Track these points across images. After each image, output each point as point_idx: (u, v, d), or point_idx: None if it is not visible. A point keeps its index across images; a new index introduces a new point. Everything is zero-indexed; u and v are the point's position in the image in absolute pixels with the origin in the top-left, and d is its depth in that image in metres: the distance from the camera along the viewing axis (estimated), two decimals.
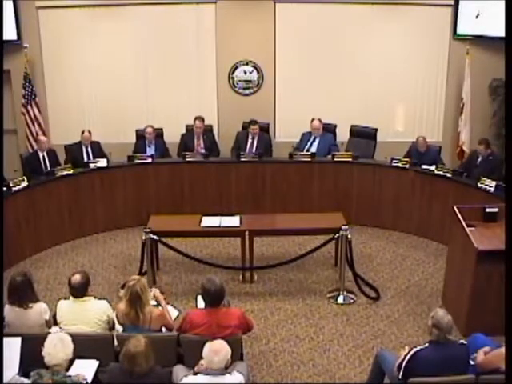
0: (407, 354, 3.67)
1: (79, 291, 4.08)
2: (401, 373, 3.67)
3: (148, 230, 5.64)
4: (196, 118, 7.71)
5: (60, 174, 6.80)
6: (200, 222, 5.93)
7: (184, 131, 7.98)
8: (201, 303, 4.24)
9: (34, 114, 8.19)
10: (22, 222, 6.40)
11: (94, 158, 7.36)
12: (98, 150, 7.52)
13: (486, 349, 3.77)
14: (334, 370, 4.63)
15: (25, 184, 6.42)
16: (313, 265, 6.26)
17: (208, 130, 7.93)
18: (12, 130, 8.41)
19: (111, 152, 7.51)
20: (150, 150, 7.62)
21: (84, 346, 3.66)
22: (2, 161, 6.82)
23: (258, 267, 5.99)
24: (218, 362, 3.33)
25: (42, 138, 7.40)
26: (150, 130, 7.58)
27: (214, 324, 3.91)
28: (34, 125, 8.20)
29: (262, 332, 5.16)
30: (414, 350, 3.66)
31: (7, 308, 4.06)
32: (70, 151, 7.49)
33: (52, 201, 6.71)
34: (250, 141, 7.70)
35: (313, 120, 7.57)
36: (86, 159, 7.34)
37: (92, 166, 7.02)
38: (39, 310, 4.10)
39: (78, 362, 3.58)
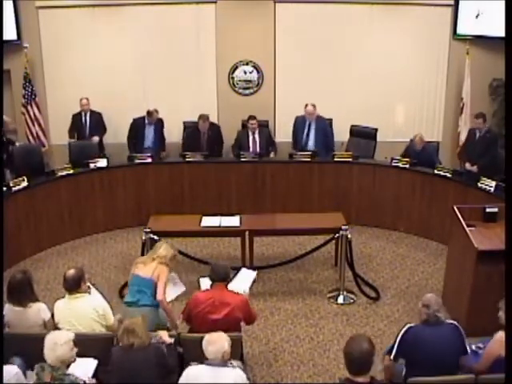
0: (399, 332, 3.79)
1: (71, 285, 4.10)
2: (393, 353, 3.77)
3: (148, 230, 5.64)
4: (200, 117, 7.72)
5: (60, 173, 6.80)
6: (200, 221, 5.93)
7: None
8: (203, 286, 4.50)
9: (34, 113, 8.20)
10: (22, 222, 6.40)
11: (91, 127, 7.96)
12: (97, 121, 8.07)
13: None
14: (333, 370, 4.64)
15: (25, 184, 6.42)
16: (313, 265, 6.26)
17: (213, 124, 7.94)
18: (12, 130, 8.40)
19: (111, 152, 7.52)
20: (149, 132, 7.75)
21: (84, 346, 3.65)
22: (2, 160, 6.83)
23: (258, 267, 5.98)
24: (216, 352, 3.35)
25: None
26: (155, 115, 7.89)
27: (216, 300, 4.06)
28: (34, 125, 8.21)
29: (261, 332, 5.16)
30: (407, 326, 3.78)
31: (7, 307, 4.06)
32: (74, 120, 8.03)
33: (52, 201, 6.70)
34: (251, 137, 7.71)
35: (307, 105, 7.58)
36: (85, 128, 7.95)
37: (92, 165, 7.02)
38: (38, 310, 4.10)
39: (78, 360, 3.59)
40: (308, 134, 7.66)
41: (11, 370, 3.49)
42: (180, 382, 3.44)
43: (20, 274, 4.12)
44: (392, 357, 3.79)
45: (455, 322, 3.86)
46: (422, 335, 3.74)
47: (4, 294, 4.17)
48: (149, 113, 7.83)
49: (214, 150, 7.78)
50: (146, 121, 7.87)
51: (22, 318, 4.03)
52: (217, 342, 3.40)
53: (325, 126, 7.74)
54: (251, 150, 7.64)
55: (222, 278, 4.15)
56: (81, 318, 4.05)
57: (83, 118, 8.00)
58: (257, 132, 7.71)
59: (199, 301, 4.11)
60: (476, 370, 3.73)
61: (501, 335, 3.65)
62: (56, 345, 3.36)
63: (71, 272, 4.12)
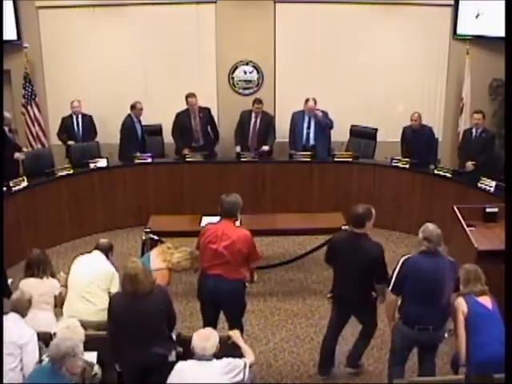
0: (396, 265, 3.92)
1: (104, 248, 4.41)
2: (392, 283, 3.89)
3: (148, 229, 5.65)
4: (187, 96, 7.60)
5: (60, 174, 6.81)
6: (200, 221, 5.92)
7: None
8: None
9: (34, 113, 8.21)
10: (22, 222, 6.40)
11: (83, 130, 7.79)
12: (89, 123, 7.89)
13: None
14: (334, 370, 4.63)
15: (25, 184, 6.43)
16: (313, 265, 6.26)
17: (203, 108, 7.80)
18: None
19: (111, 152, 7.51)
20: (138, 126, 7.61)
21: (85, 345, 3.66)
22: (3, 160, 6.82)
23: (258, 267, 5.98)
24: (211, 347, 3.31)
25: None
26: (139, 106, 7.61)
27: (220, 230, 4.33)
28: (33, 125, 8.22)
29: (261, 332, 5.17)
30: (403, 258, 3.92)
31: (21, 283, 4.21)
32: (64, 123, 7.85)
33: (52, 201, 6.71)
34: (253, 120, 7.73)
35: (307, 100, 7.48)
36: (76, 131, 7.78)
37: (92, 165, 7.03)
38: (53, 285, 4.30)
39: None
40: (309, 128, 7.55)
41: (28, 330, 3.55)
42: (170, 378, 3.35)
43: (38, 251, 4.36)
44: (390, 289, 3.89)
45: (453, 260, 3.98)
46: (420, 264, 3.86)
47: (4, 296, 4.19)
48: (132, 106, 7.52)
49: (209, 139, 7.78)
50: (135, 119, 7.56)
51: (35, 287, 4.12)
52: (210, 338, 3.34)
53: (325, 118, 7.61)
54: (251, 133, 7.66)
55: (227, 213, 4.40)
56: (94, 271, 4.27)
57: (74, 121, 7.82)
58: (259, 116, 7.72)
59: (205, 230, 4.44)
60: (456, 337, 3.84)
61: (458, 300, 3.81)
62: (73, 330, 3.44)
63: (104, 240, 4.54)
